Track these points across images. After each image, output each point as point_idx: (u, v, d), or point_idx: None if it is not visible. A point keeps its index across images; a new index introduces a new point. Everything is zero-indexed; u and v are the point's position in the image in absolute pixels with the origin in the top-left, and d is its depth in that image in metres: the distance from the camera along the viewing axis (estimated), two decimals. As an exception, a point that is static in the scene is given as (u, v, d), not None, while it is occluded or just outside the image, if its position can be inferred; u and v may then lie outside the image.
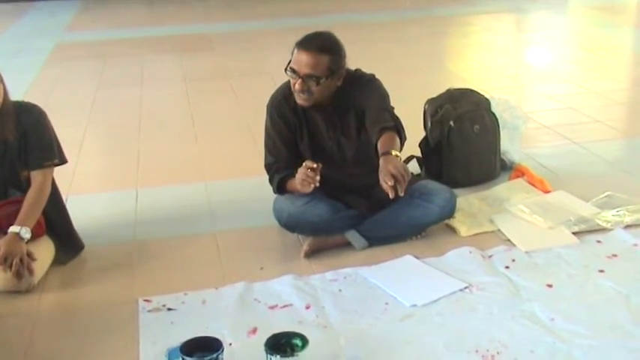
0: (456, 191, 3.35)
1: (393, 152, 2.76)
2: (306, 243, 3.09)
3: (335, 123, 3.09)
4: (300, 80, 2.90)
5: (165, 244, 3.26)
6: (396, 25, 8.76)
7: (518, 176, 3.78)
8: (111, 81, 6.45)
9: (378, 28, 8.63)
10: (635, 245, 3.08)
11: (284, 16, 9.61)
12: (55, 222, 3.06)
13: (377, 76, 3.14)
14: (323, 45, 2.90)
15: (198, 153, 4.50)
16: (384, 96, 3.08)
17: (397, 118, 3.04)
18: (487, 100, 3.90)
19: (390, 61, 6.26)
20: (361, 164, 3.13)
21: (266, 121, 3.17)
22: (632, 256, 3.00)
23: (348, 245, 3.13)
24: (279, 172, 3.09)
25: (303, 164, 2.81)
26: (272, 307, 2.70)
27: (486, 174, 3.82)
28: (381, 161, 2.74)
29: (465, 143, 3.71)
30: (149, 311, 2.69)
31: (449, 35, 8.49)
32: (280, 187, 3.11)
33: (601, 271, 2.88)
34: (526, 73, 6.63)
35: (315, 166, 2.78)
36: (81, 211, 3.40)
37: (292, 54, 2.93)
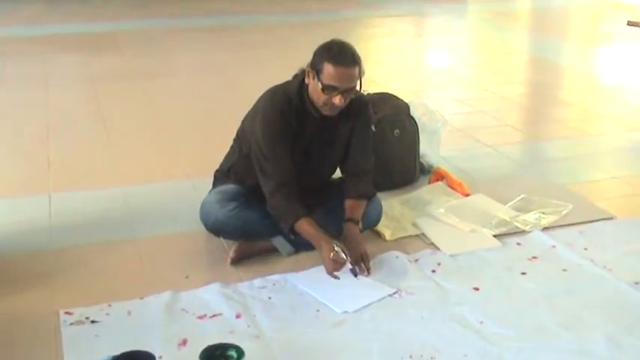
0: (378, 195, 3.35)
1: (360, 225, 3.04)
2: (232, 250, 3.03)
3: (328, 132, 3.04)
4: (340, 95, 2.82)
5: (83, 252, 3.13)
6: (303, 27, 8.79)
7: (437, 179, 3.83)
8: (13, 81, 6.18)
9: (286, 30, 8.65)
10: (553, 247, 3.16)
11: (191, 15, 9.48)
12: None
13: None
14: (354, 56, 2.84)
15: (113, 157, 4.34)
16: (370, 140, 3.18)
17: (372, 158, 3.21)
18: (406, 104, 3.94)
19: (298, 63, 6.23)
20: (326, 174, 3.23)
21: (264, 133, 2.95)
22: (551, 258, 3.08)
23: (274, 251, 3.09)
24: (292, 196, 2.92)
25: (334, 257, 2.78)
26: (201, 317, 2.62)
27: (406, 177, 3.87)
28: (347, 233, 2.98)
29: (386, 147, 3.72)
30: (71, 324, 2.56)
31: (355, 38, 8.54)
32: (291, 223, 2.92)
33: (523, 273, 2.95)
34: (435, 77, 6.77)
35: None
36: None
37: (319, 71, 2.81)
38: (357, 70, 2.84)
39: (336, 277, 2.79)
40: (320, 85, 2.81)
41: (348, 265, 2.79)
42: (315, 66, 2.83)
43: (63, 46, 7.59)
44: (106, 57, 7.16)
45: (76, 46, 7.66)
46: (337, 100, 2.83)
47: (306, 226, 2.88)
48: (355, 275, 2.79)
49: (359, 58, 2.86)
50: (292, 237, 3.01)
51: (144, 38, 8.07)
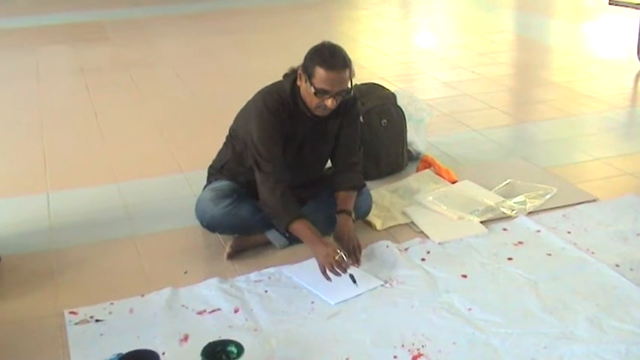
0: (367, 184, 3.42)
1: (353, 215, 3.15)
2: (228, 245, 3.13)
3: (319, 129, 3.13)
4: (332, 98, 2.90)
5: (84, 252, 3.22)
6: (290, 10, 8.82)
7: (425, 167, 3.93)
8: (4, 75, 6.22)
9: (273, 13, 8.67)
10: (538, 232, 3.28)
11: (177, 2, 9.49)
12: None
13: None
14: (345, 59, 2.90)
15: (106, 151, 4.43)
16: (358, 134, 3.25)
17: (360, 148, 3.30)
18: (393, 94, 4.03)
19: (286, 47, 6.08)
20: (318, 168, 3.33)
21: (260, 134, 3.02)
22: (536, 243, 3.20)
23: (268, 244, 3.19)
24: (288, 197, 3.00)
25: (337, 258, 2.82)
26: (200, 313, 2.73)
27: (395, 166, 3.97)
28: (341, 224, 3.06)
29: (374, 137, 3.82)
30: (76, 324, 2.66)
31: (342, 20, 8.61)
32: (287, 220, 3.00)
33: (509, 259, 3.07)
34: (421, 60, 6.83)
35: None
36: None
37: (311, 75, 2.87)
38: (347, 72, 2.91)
39: (328, 279, 2.85)
40: (312, 89, 2.89)
41: (349, 271, 2.83)
42: (307, 70, 2.91)
43: (51, 38, 7.63)
44: (95, 47, 7.22)
45: (64, 36, 7.69)
46: (329, 102, 2.92)
47: (301, 228, 2.97)
48: (354, 282, 2.82)
49: (349, 60, 2.93)
50: (287, 235, 3.11)
51: (131, 27, 8.11)
